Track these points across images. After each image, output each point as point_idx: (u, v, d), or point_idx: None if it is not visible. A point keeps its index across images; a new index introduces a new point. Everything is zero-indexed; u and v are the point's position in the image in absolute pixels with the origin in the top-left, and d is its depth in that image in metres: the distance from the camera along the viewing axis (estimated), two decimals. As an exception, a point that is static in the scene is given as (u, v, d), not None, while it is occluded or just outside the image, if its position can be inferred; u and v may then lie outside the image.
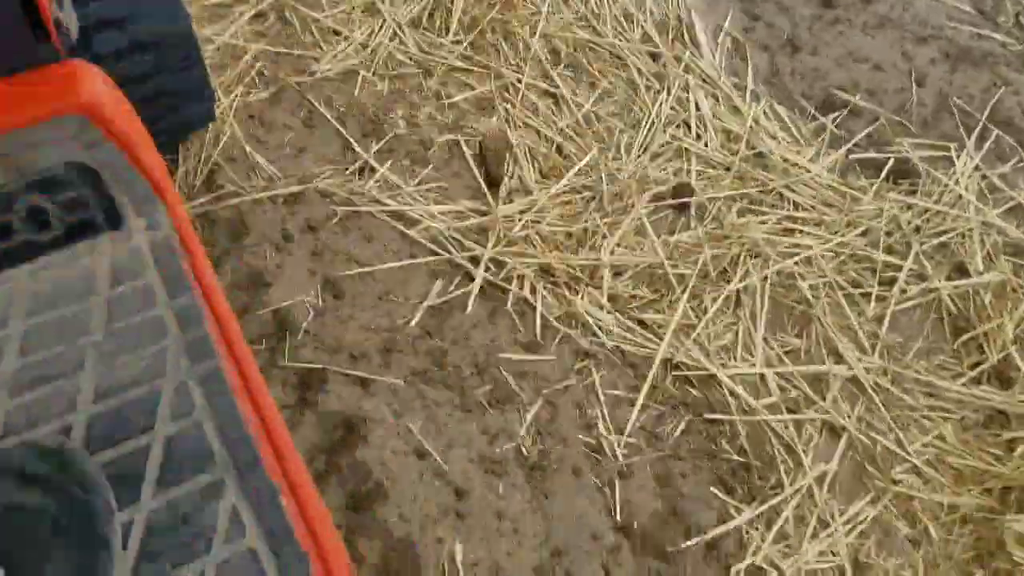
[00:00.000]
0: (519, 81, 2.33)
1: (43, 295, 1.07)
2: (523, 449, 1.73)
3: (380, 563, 1.59)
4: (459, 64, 2.35)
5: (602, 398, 1.82)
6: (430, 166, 2.10)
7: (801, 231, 2.17)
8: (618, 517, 1.69)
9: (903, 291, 2.09)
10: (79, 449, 0.89)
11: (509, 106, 2.27)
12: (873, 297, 2.07)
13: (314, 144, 2.11)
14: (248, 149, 2.04)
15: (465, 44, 2.39)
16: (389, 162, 2.08)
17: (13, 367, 1.00)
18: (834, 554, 1.69)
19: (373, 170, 2.06)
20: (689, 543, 1.67)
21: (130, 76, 1.63)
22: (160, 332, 1.04)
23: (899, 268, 2.12)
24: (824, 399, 1.90)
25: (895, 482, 1.81)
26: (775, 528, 1.71)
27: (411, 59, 2.33)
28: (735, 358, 1.94)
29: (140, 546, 0.87)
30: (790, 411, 1.88)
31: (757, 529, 1.71)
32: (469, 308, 1.84)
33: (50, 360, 1.01)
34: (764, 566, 1.65)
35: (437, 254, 1.94)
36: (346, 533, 1.62)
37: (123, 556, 0.85)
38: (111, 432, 0.95)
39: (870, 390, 1.92)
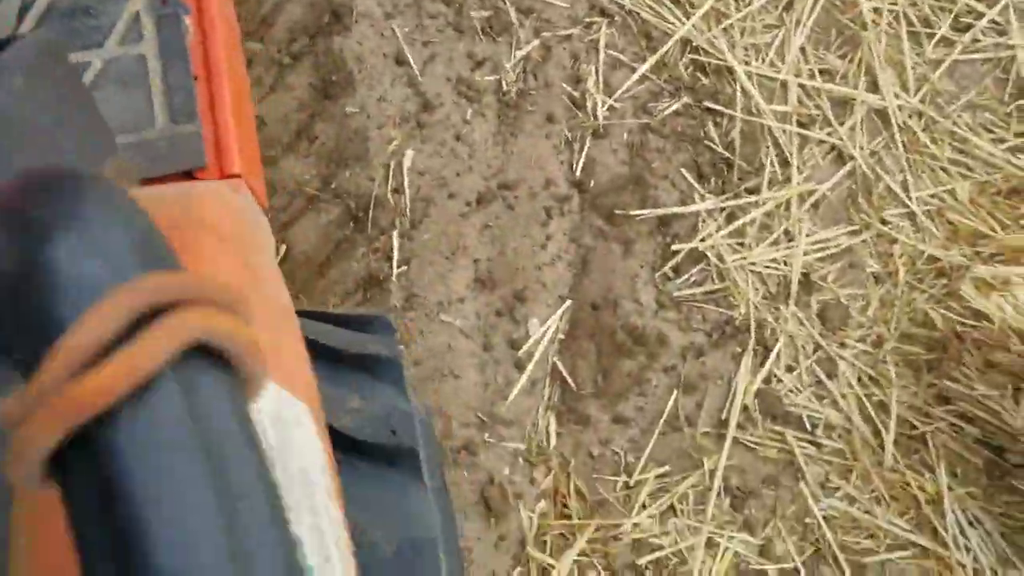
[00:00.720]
0: None
1: None
2: (504, 83, 1.67)
3: (333, 148, 1.60)
4: None
5: (602, 56, 1.72)
6: None
7: (889, -48, 1.93)
8: (578, 172, 1.64)
9: (975, 40, 1.86)
10: None
11: None
12: (938, 38, 1.86)
13: None
14: None
15: None
16: None
17: None
18: (786, 264, 1.63)
19: None
20: (641, 212, 1.62)
21: None
22: None
23: (981, 16, 1.88)
24: (842, 125, 1.76)
25: (884, 222, 1.70)
26: (736, 224, 1.64)
27: None
28: (763, 60, 1.79)
29: (36, 23, 0.85)
30: (801, 125, 1.75)
31: (716, 220, 1.64)
32: (485, -78, 1.73)
33: None
34: (708, 254, 1.60)
35: None
36: (308, 115, 1.62)
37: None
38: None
39: (895, 127, 1.76)
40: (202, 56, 0.91)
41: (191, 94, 0.87)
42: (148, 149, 0.84)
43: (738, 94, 1.74)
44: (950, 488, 1.55)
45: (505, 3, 1.71)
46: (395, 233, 1.56)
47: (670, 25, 1.77)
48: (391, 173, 1.59)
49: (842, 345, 1.60)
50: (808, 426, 1.54)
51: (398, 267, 1.54)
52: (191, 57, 0.89)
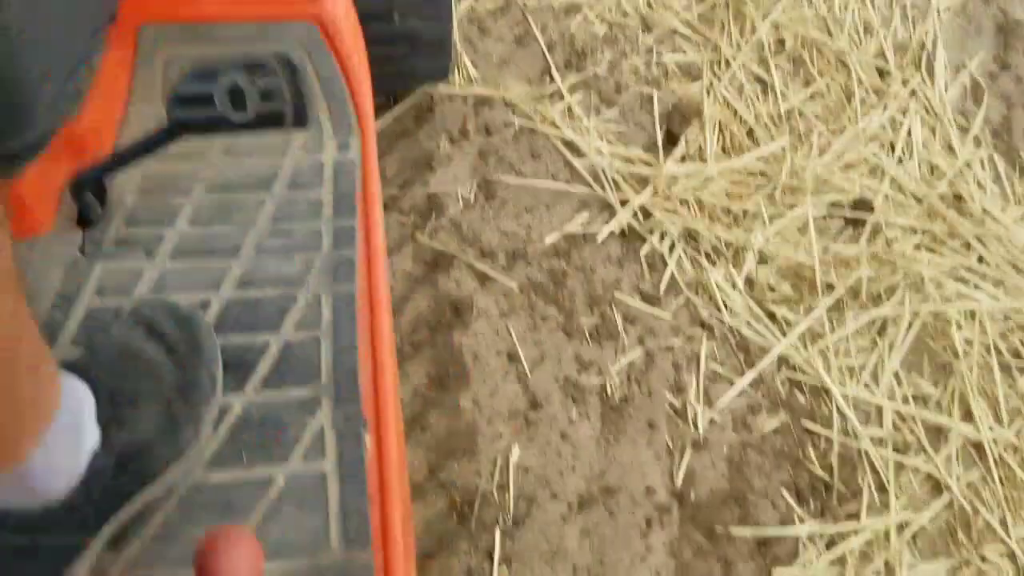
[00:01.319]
0: (733, 59, 2.30)
1: (227, 174, 1.12)
2: (608, 387, 1.74)
3: (444, 438, 1.66)
4: (680, 29, 2.35)
5: (702, 369, 1.79)
6: (616, 109, 2.13)
7: (977, 286, 2.03)
8: (678, 483, 1.66)
9: (1068, 377, 1.91)
10: (207, 323, 0.91)
11: (715, 79, 2.26)
12: (1031, 373, 1.91)
13: (518, 60, 2.19)
14: (459, 49, 2.15)
15: (694, 12, 2.39)
16: (580, 94, 2.13)
17: (180, 232, 1.05)
18: (888, 599, 1.59)
19: (562, 97, 2.11)
20: (741, 531, 1.62)
21: (373, 12, 1.51)
22: (315, 244, 1.06)
23: (1072, 353, 1.93)
24: (937, 452, 1.78)
25: (983, 559, 1.67)
26: (836, 551, 1.62)
27: (636, 11, 2.36)
28: (858, 382, 1.85)
29: (229, 432, 0.88)
30: (897, 451, 1.77)
31: (816, 545, 1.63)
32: (601, 239, 1.86)
33: (212, 236, 1.05)
34: (809, 580, 1.58)
35: (591, 187, 1.98)
36: (422, 403, 1.70)
37: (210, 436, 0.87)
38: (241, 321, 0.97)
39: (991, 461, 1.78)
40: (377, 476, 0.90)
41: (365, 519, 0.83)
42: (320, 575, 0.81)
43: (835, 415, 1.78)
44: None
45: (612, 311, 1.82)
46: (497, 531, 1.57)
47: (767, 341, 1.85)
48: (497, 468, 1.63)
49: None
50: None
51: (498, 566, 1.54)
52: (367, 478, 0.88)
